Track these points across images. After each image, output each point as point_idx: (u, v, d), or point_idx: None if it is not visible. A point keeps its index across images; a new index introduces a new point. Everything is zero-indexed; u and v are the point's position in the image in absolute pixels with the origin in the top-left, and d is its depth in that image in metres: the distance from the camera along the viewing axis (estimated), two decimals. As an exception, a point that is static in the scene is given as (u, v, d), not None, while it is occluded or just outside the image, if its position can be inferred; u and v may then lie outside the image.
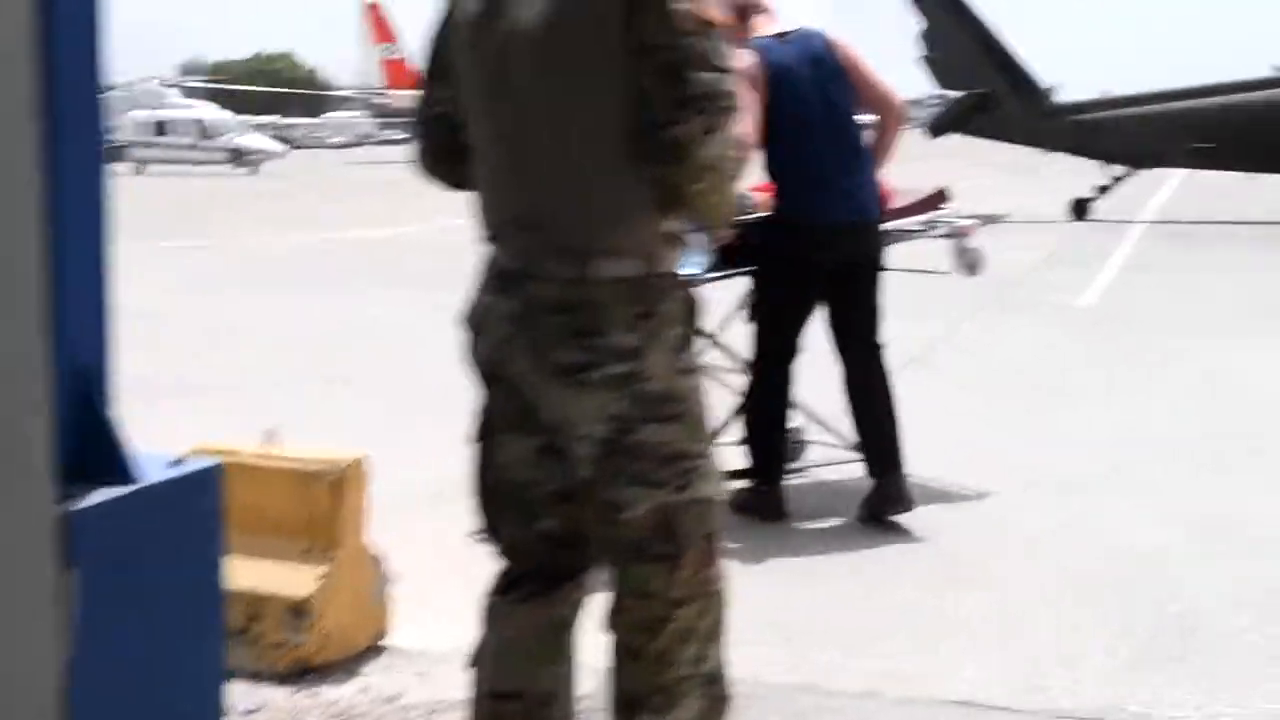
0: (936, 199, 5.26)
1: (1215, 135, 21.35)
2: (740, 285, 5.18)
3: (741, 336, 5.22)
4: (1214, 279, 13.16)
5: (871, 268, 5.03)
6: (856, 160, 5.00)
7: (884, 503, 4.97)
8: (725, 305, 5.31)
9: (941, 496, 5.30)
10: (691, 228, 2.68)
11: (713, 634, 2.59)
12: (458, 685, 2.92)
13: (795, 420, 5.45)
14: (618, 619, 2.58)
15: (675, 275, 2.60)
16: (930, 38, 24.02)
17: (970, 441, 6.19)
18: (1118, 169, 22.83)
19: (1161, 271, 14.03)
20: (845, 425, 5.24)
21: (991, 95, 23.44)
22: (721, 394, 5.10)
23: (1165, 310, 11.04)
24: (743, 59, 4.63)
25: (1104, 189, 22.51)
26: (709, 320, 4.89)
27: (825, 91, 4.97)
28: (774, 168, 4.99)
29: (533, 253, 2.51)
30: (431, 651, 3.70)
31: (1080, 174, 23.41)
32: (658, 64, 2.43)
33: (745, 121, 4.75)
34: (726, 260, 4.88)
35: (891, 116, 5.15)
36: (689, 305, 2.60)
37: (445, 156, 2.71)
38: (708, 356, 5.15)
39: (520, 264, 2.53)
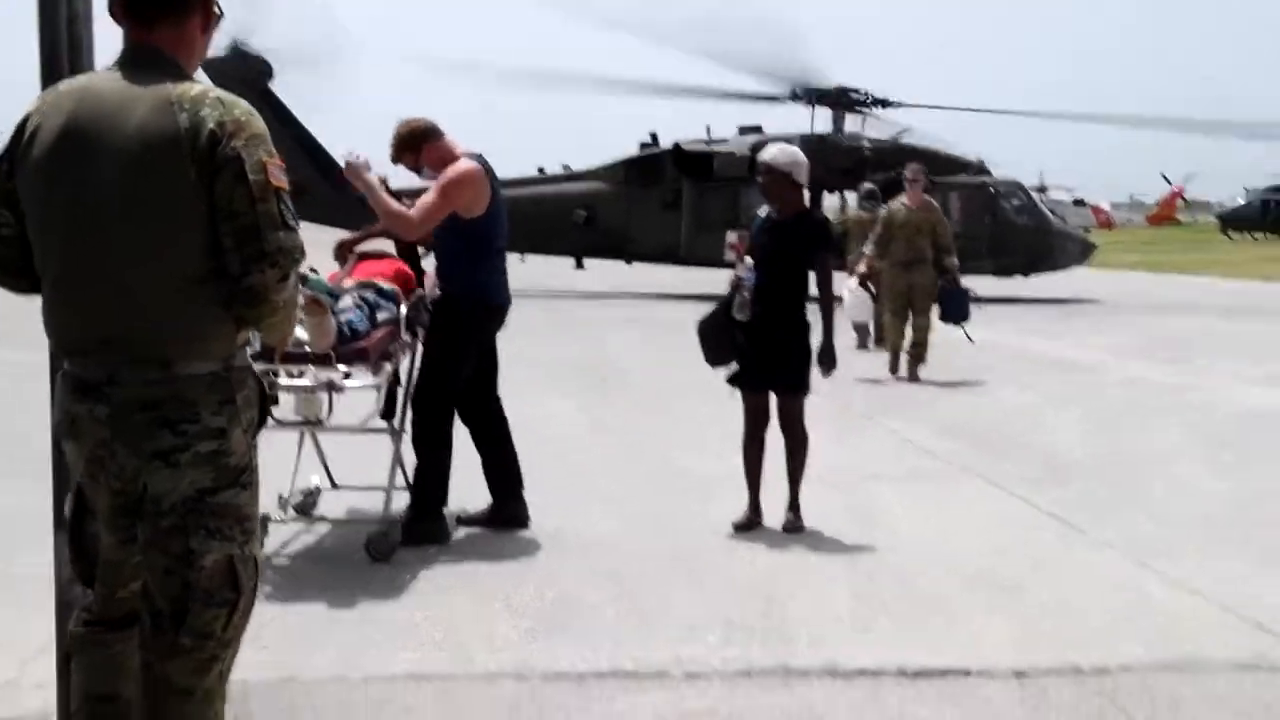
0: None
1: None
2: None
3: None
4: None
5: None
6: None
7: (517, 515, 6.53)
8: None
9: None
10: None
11: (229, 672, 3.03)
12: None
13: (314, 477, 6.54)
14: (171, 659, 2.90)
15: (249, 368, 3.03)
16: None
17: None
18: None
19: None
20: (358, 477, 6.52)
21: (302, 183, 25.37)
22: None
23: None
24: (466, 166, 6.15)
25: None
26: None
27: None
28: (478, 256, 6.36)
29: (116, 364, 2.84)
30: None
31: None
32: (237, 226, 2.81)
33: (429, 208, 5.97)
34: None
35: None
36: (261, 391, 3.04)
37: (12, 271, 3.01)
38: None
39: (103, 375, 2.84)
